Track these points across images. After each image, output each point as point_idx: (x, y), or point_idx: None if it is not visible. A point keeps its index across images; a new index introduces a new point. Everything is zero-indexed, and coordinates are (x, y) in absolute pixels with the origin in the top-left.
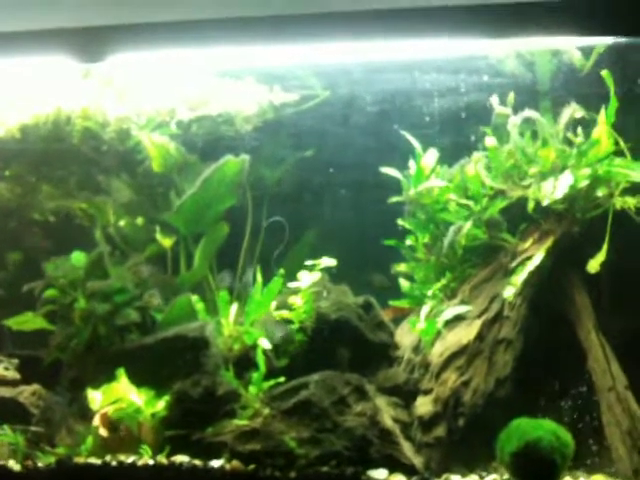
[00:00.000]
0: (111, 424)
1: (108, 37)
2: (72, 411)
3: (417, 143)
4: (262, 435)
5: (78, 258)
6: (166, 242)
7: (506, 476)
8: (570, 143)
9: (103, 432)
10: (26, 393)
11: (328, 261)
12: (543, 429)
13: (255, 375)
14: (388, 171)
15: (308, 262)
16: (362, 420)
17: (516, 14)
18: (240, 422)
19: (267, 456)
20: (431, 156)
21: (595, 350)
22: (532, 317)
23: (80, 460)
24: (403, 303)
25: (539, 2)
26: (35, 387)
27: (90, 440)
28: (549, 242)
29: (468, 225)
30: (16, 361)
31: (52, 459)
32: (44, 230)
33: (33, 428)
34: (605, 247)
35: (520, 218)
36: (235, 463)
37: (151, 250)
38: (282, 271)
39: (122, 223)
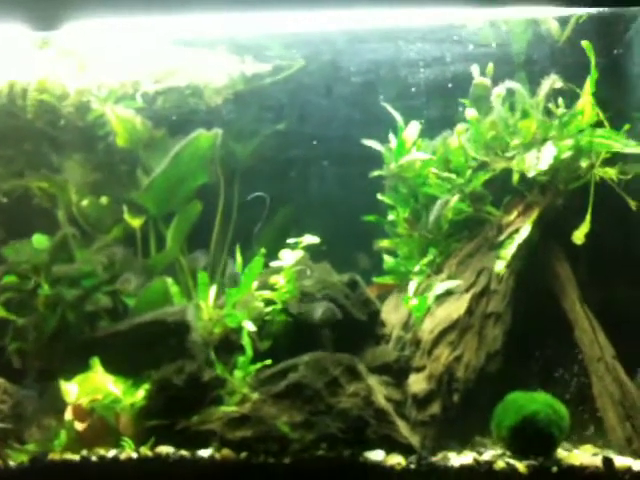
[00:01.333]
0: (85, 416)
1: (64, 2)
2: (41, 404)
3: (398, 115)
4: (252, 421)
5: (40, 241)
6: (135, 222)
7: (502, 451)
8: (549, 114)
9: (78, 425)
10: None
11: (311, 239)
12: (539, 402)
13: (241, 359)
14: (370, 144)
15: (290, 240)
16: (356, 401)
17: None
18: (228, 408)
19: (259, 442)
20: (413, 129)
21: (581, 321)
22: (519, 290)
23: (55, 456)
24: (387, 279)
25: None
26: None
27: (64, 434)
28: (534, 214)
29: (455, 199)
30: None
31: (24, 457)
32: None
33: (1, 425)
34: (588, 218)
35: (503, 190)
36: (225, 452)
37: (117, 231)
38: (263, 250)
39: (85, 203)
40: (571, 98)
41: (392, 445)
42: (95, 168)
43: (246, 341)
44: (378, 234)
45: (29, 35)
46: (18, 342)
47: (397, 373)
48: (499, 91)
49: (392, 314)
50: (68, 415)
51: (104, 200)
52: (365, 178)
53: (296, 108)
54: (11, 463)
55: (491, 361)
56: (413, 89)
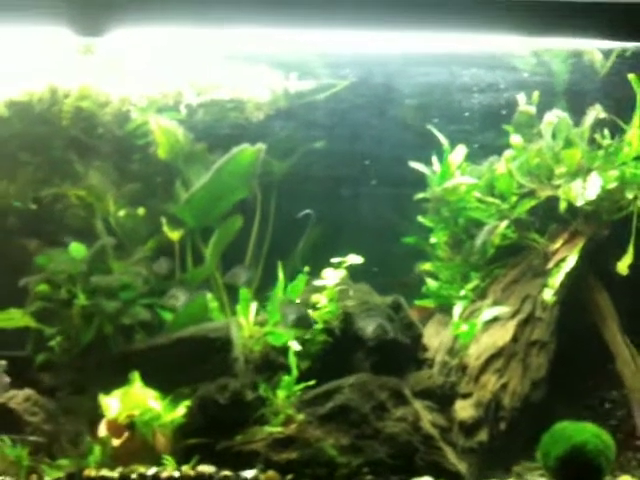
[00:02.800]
0: (121, 432)
1: (110, 9)
2: (74, 419)
3: (444, 138)
4: (298, 443)
5: (78, 250)
6: (174, 235)
7: None
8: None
9: (115, 441)
10: (18, 399)
11: (355, 258)
12: (588, 433)
13: (285, 378)
14: (415, 166)
15: (334, 259)
16: (404, 426)
17: (551, 12)
18: (273, 429)
19: (305, 465)
20: (459, 152)
21: (622, 352)
22: (563, 319)
23: (92, 473)
24: (428, 303)
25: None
26: (28, 392)
27: (98, 450)
28: (580, 243)
29: (503, 224)
30: (4, 363)
31: (59, 473)
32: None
33: (32, 438)
34: (631, 249)
35: (547, 218)
36: (270, 473)
37: (152, 244)
38: (307, 268)
39: (121, 214)
40: (611, 129)
41: (439, 472)
42: (131, 179)
43: (292, 360)
44: (416, 257)
45: (73, 40)
46: (48, 353)
47: (440, 398)
48: (550, 119)
49: (434, 338)
50: (102, 430)
51: (141, 211)
52: (405, 199)
53: (339, 127)
54: (46, 479)
55: (535, 389)
56: (458, 114)
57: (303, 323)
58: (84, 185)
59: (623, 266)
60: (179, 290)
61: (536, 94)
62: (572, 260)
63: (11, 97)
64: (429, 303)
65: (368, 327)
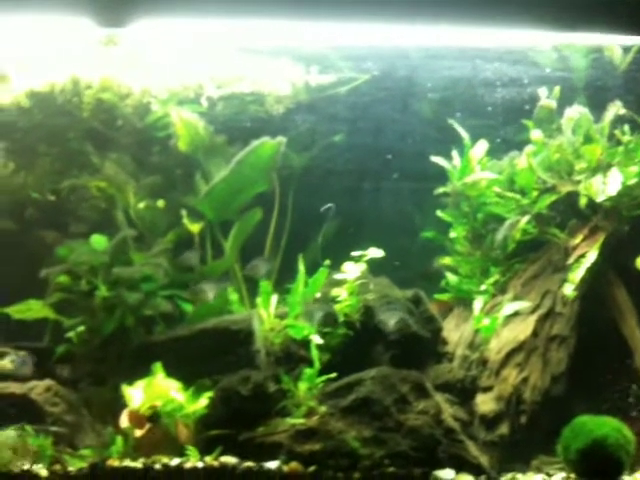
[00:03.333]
0: (143, 422)
1: (133, 1)
2: (95, 409)
3: (465, 133)
4: (320, 435)
5: (99, 241)
6: (194, 228)
7: (568, 474)
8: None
9: (137, 432)
10: (39, 389)
11: (375, 252)
12: (608, 427)
13: (307, 371)
14: (437, 160)
15: (355, 253)
16: (426, 419)
17: (573, 7)
18: (295, 421)
19: (328, 457)
20: (480, 147)
21: None
22: (583, 314)
23: (115, 463)
24: (447, 297)
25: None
26: (48, 382)
27: (120, 441)
28: (600, 239)
29: (525, 219)
30: (24, 353)
31: (83, 463)
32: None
33: (53, 428)
34: None
35: (567, 213)
36: (294, 464)
37: (172, 236)
38: (328, 261)
39: (141, 206)
40: (630, 125)
41: (461, 464)
42: (151, 171)
43: (314, 353)
44: (434, 252)
45: (95, 31)
46: (68, 345)
47: (461, 392)
48: (571, 114)
49: (453, 332)
50: (124, 421)
51: (160, 204)
52: (425, 194)
53: (360, 121)
54: (70, 469)
55: (556, 383)
56: (480, 108)
57: (329, 321)
58: (105, 177)
59: None
60: (207, 283)
61: (557, 89)
62: (592, 255)
63: (32, 88)
64: (448, 297)
65: (390, 321)
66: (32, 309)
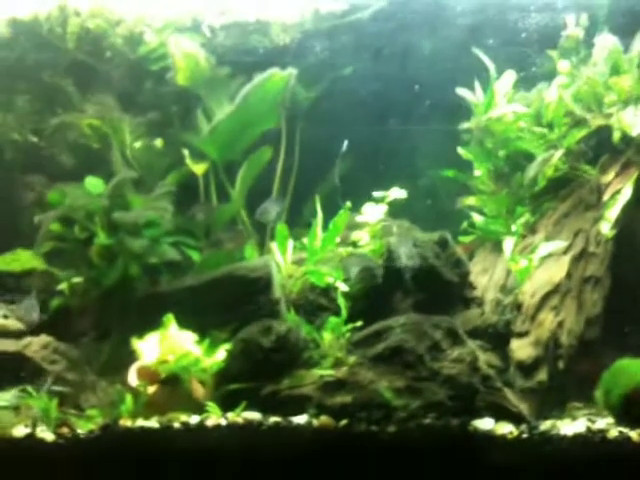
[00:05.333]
0: (154, 379)
1: None
2: (99, 365)
3: (491, 64)
4: (351, 386)
5: (95, 185)
6: (198, 169)
7: (609, 419)
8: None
9: (150, 389)
10: (34, 346)
11: (398, 192)
12: None
13: (332, 320)
14: (462, 93)
15: (376, 193)
16: (462, 367)
17: None
18: (323, 372)
19: (360, 409)
20: (507, 79)
21: None
22: (617, 253)
23: (128, 423)
24: (470, 239)
25: None
26: (45, 339)
27: (130, 399)
28: (635, 174)
29: (558, 154)
30: (15, 307)
31: (92, 425)
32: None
33: (55, 388)
34: None
35: (598, 148)
36: (324, 418)
37: (173, 178)
38: (349, 204)
39: (137, 145)
40: None
41: (501, 413)
42: (146, 108)
43: (341, 301)
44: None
45: None
46: (67, 298)
47: (493, 337)
48: (604, 44)
49: (480, 276)
50: (132, 377)
51: (159, 143)
52: (444, 130)
53: (374, 51)
54: (79, 431)
55: (591, 327)
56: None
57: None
58: (98, 113)
59: None
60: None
61: (583, 17)
62: (627, 191)
63: (15, 16)
64: (472, 239)
65: (401, 256)
66: (20, 259)
